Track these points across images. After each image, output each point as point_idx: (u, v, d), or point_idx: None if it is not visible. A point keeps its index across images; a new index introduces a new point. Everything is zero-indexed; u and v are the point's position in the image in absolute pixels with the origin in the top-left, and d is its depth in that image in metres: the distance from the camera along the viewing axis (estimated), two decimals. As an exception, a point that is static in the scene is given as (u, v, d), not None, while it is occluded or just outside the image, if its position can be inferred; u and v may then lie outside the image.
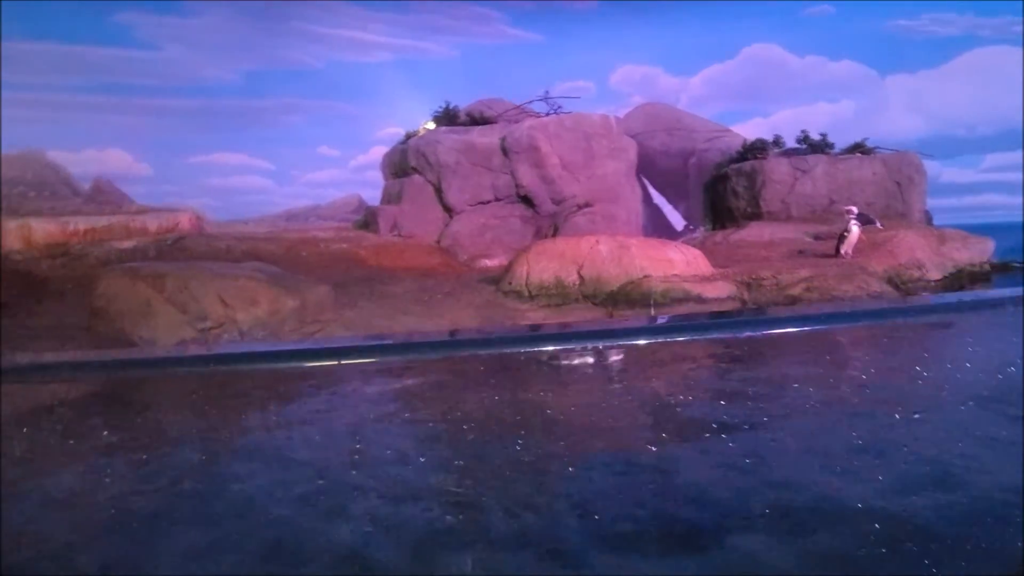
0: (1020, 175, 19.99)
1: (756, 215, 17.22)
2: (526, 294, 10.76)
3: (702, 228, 19.29)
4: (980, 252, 15.51)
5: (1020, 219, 19.26)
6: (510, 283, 10.95)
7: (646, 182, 21.12)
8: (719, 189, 18.54)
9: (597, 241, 11.09)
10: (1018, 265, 17.83)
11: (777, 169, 17.09)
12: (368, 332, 9.88)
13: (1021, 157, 20.27)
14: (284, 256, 14.70)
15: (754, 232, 16.30)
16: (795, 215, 16.72)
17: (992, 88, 20.31)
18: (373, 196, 21.06)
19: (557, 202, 16.92)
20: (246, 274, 8.39)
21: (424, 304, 11.29)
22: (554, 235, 16.13)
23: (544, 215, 17.01)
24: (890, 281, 11.88)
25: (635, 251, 10.86)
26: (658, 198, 21.31)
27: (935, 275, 12.61)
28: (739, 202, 17.74)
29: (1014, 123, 20.44)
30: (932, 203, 18.62)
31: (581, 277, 10.76)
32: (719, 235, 17.06)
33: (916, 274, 12.33)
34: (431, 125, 19.61)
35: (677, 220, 20.80)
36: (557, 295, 10.68)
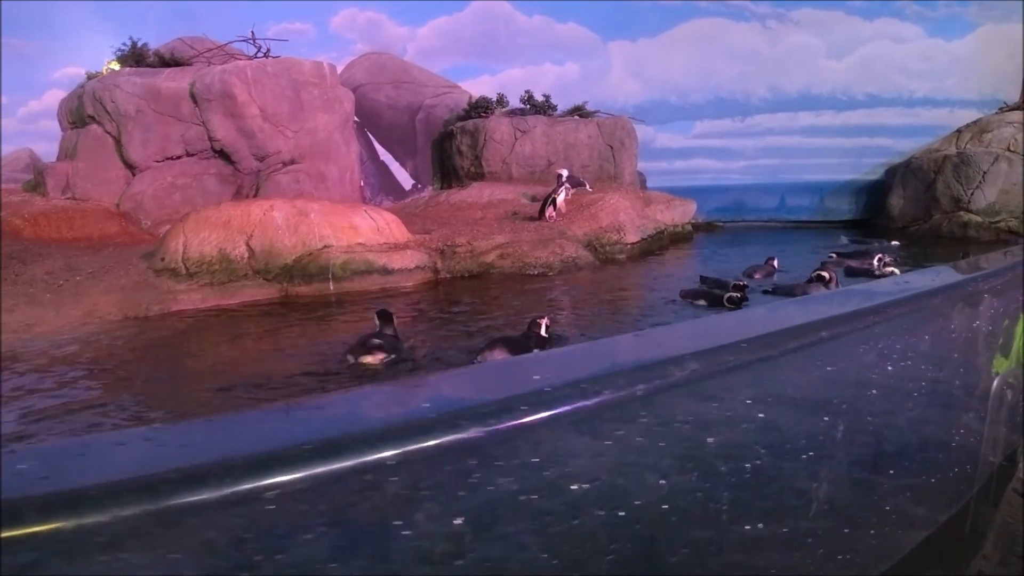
0: (726, 141, 21.79)
1: (479, 175, 16.75)
2: (183, 272, 9.09)
3: (430, 188, 18.52)
4: (683, 213, 16.39)
5: (726, 182, 21.09)
6: (163, 259, 9.20)
7: (372, 138, 19.84)
8: (446, 147, 17.82)
9: (271, 207, 9.66)
10: (721, 224, 19.42)
11: (499, 128, 16.68)
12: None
13: (727, 124, 22.06)
14: (-97, 231, 11.55)
15: (475, 193, 15.81)
16: (515, 176, 16.48)
17: (705, 58, 21.69)
18: (49, 151, 17.62)
19: (260, 158, 15.06)
20: None
21: (57, 291, 9.19)
22: (255, 196, 14.36)
23: (245, 173, 15.08)
24: (589, 245, 11.86)
25: (315, 218, 9.60)
26: (385, 155, 20.11)
27: (633, 238, 12.86)
28: (464, 161, 17.15)
29: (723, 92, 22.08)
30: (646, 166, 19.45)
31: (251, 249, 9.30)
32: (443, 195, 16.37)
33: (615, 237, 12.46)
34: (115, 66, 16.64)
35: (406, 179, 19.82)
36: (221, 271, 9.14)
